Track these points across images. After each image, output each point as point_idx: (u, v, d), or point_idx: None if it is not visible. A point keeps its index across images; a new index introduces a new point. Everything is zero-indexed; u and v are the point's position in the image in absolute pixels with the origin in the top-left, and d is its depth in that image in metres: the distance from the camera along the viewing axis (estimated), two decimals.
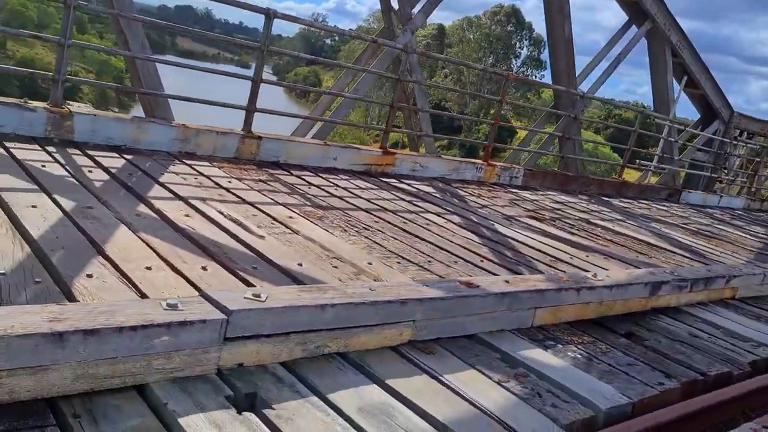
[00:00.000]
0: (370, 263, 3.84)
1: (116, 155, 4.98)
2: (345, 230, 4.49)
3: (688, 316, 4.43)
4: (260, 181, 5.37)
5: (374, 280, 3.61)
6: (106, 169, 4.56)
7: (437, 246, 4.65)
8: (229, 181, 5.07)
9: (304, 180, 5.83)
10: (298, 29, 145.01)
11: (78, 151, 4.84)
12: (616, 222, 7.59)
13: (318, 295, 2.61)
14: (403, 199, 6.06)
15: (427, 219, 5.45)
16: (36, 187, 3.82)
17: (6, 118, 4.71)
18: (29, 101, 4.87)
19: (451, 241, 4.88)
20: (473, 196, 7.15)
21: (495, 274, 4.22)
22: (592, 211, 8.06)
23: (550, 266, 4.80)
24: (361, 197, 5.70)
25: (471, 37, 68.01)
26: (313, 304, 2.50)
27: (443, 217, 5.66)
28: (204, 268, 3.12)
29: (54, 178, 4.10)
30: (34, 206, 3.43)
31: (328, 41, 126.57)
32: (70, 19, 4.82)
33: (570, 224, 6.80)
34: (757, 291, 5.33)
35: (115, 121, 5.23)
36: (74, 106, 5.09)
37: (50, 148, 4.72)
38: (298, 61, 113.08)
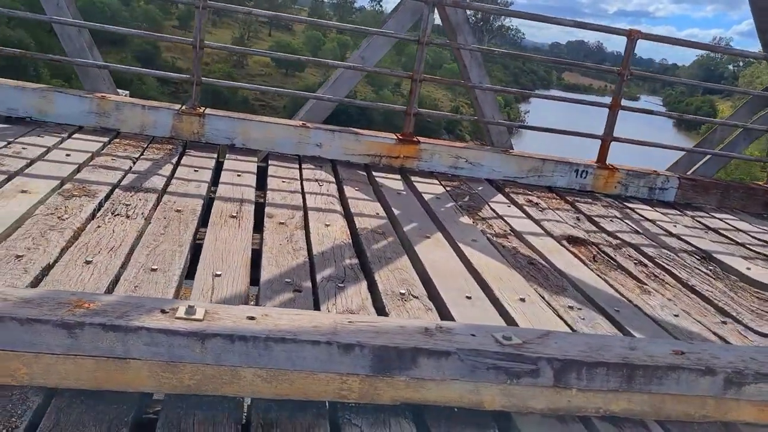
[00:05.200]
0: None
1: None
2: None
3: None
4: (127, 158, 4.31)
5: None
6: None
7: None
8: (67, 155, 4.15)
9: (209, 164, 4.56)
10: (696, 56, 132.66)
11: None
12: None
13: None
14: (323, 194, 4.30)
15: (293, 221, 3.72)
16: None
17: None
18: None
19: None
20: (511, 205, 4.83)
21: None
22: (765, 244, 4.83)
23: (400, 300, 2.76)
24: (243, 185, 4.21)
25: None
26: None
27: (326, 221, 3.79)
28: None
29: None
30: None
31: (730, 67, 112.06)
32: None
33: (648, 256, 4.09)
34: None
35: (16, 89, 4.76)
36: None
37: None
38: (693, 90, 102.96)
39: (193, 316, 1.94)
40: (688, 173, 6.02)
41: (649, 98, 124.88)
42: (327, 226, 3.65)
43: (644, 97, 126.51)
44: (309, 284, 2.86)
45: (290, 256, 3.13)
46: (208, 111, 5.02)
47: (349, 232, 3.63)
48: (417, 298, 2.89)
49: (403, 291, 2.92)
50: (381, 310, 2.74)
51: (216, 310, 2.01)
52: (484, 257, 3.54)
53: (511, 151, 5.55)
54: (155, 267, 2.73)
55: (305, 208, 3.90)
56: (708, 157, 6.03)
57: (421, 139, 5.30)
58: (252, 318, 2.00)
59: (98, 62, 5.04)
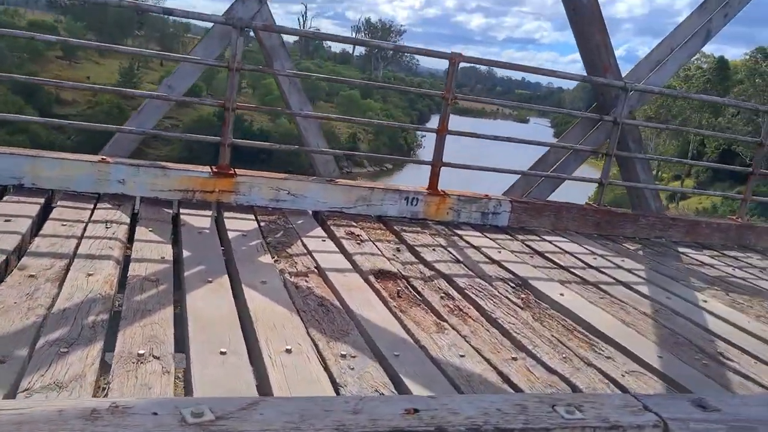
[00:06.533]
0: None
1: None
2: None
3: None
4: None
5: None
6: None
7: None
8: None
9: None
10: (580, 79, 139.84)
11: None
12: (615, 287, 4.32)
13: None
14: (106, 238, 3.89)
15: None
16: None
17: None
18: None
19: None
20: (327, 239, 4.56)
21: None
22: (587, 267, 4.79)
23: None
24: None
25: None
26: None
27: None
28: None
29: None
30: None
31: None
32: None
33: (459, 288, 3.89)
34: None
35: None
36: None
37: None
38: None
39: None
40: (524, 196, 5.98)
41: (538, 120, 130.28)
42: (89, 276, 3.22)
43: (534, 119, 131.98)
44: (24, 352, 2.42)
45: (19, 317, 2.68)
46: None
47: (114, 282, 3.22)
48: (158, 358, 2.51)
49: (143, 351, 2.53)
50: (105, 378, 2.35)
51: None
52: (266, 302, 3.22)
53: (337, 180, 5.29)
54: None
55: (73, 256, 3.46)
56: (542, 179, 6.02)
57: (239, 171, 4.95)
58: None
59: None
